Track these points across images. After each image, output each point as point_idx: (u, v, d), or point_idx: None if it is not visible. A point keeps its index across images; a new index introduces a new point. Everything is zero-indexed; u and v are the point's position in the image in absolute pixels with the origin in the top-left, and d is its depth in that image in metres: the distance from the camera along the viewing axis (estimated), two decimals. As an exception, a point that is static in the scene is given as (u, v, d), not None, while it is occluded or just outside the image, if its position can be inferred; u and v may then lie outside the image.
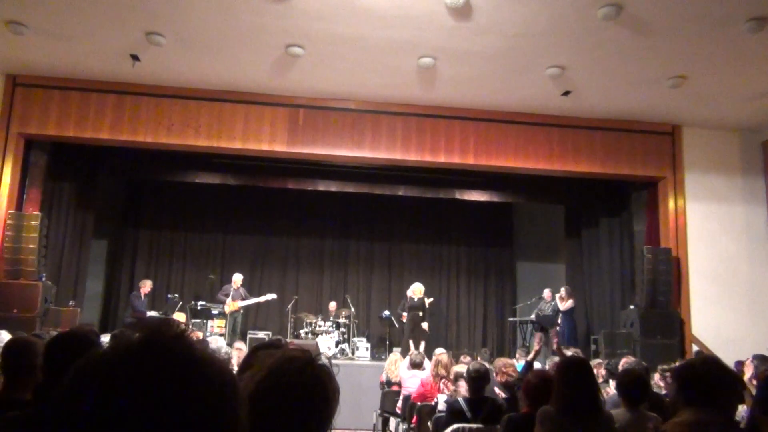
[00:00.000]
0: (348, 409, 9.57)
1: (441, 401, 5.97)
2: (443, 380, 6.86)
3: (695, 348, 10.67)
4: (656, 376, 6.61)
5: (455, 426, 5.08)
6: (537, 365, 8.13)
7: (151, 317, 11.69)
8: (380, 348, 13.05)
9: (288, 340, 11.17)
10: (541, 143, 11.19)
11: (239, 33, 8.70)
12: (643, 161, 11.38)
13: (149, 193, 14.48)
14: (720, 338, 10.43)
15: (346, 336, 12.97)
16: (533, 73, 9.58)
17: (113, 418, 0.71)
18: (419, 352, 8.90)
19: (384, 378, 8.92)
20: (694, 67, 9.22)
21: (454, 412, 5.30)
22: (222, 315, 12.23)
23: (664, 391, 6.04)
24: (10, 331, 6.04)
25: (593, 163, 11.28)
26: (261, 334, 12.37)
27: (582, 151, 11.26)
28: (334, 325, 12.87)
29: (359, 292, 14.76)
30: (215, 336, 9.23)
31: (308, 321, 12.90)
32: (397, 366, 8.69)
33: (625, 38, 8.42)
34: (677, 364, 6.25)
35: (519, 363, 8.49)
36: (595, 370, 4.92)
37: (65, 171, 11.36)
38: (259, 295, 13.07)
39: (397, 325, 13.26)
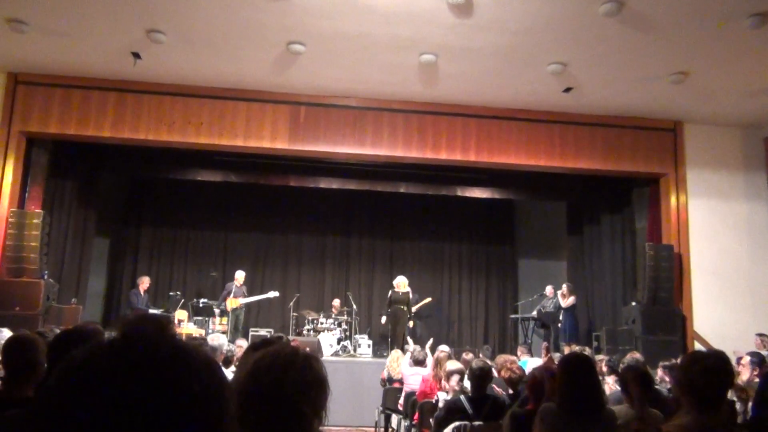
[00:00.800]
0: (350, 406, 9.63)
1: (442, 398, 5.96)
2: (444, 376, 6.85)
3: (697, 345, 10.67)
4: (658, 373, 6.60)
5: (457, 423, 5.08)
6: (538, 362, 8.13)
7: (134, 312, 11.69)
8: (382, 345, 13.05)
9: (291, 337, 11.17)
10: (542, 140, 11.17)
11: (240, 30, 8.70)
12: (645, 158, 11.36)
13: (151, 191, 14.48)
14: (722, 335, 10.41)
15: (348, 333, 12.97)
16: (535, 70, 9.56)
17: (99, 414, 0.71)
18: (422, 349, 8.90)
19: (385, 375, 8.92)
20: (696, 63, 9.20)
21: (455, 411, 5.29)
22: (224, 312, 12.23)
23: (667, 387, 6.03)
24: (12, 329, 6.04)
25: (595, 159, 11.26)
26: (263, 332, 12.37)
27: (584, 148, 11.24)
28: (336, 323, 12.88)
29: (361, 289, 14.77)
30: (217, 333, 9.21)
31: (310, 318, 12.90)
32: (398, 363, 8.69)
33: (626, 34, 8.40)
34: (679, 360, 6.24)
35: (521, 360, 8.50)
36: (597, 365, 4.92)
37: (67, 169, 11.36)
38: (261, 292, 13.07)
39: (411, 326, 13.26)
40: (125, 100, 10.53)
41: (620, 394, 4.49)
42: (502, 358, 6.71)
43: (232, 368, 6.09)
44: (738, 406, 5.16)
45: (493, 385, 6.29)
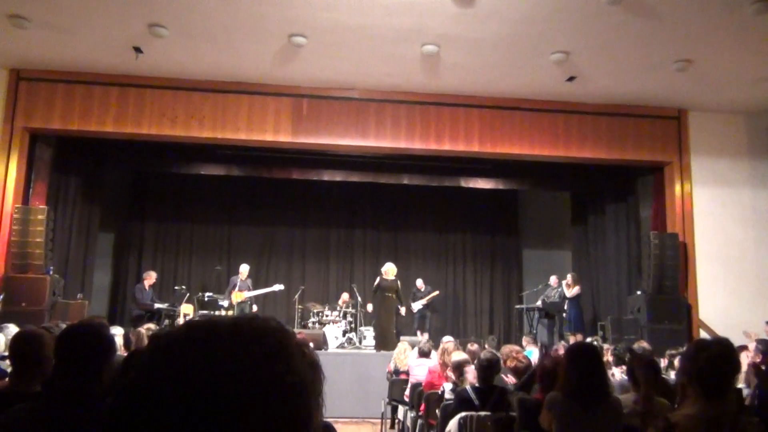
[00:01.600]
0: (356, 398, 9.66)
1: (447, 389, 5.98)
2: (449, 368, 6.87)
3: (703, 333, 10.66)
4: (664, 361, 6.60)
5: (463, 414, 5.09)
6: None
7: (140, 306, 11.75)
8: (391, 335, 13.04)
9: (297, 330, 11.20)
10: (546, 129, 11.15)
11: (241, 23, 8.68)
12: (649, 146, 11.33)
13: (155, 185, 14.50)
14: (727, 323, 10.39)
15: (353, 325, 12.99)
16: (537, 59, 9.53)
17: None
18: (428, 341, 8.91)
19: (392, 367, 8.94)
20: (699, 50, 9.16)
21: (462, 401, 5.31)
22: (231, 306, 12.25)
23: (673, 375, 6.04)
24: (18, 324, 6.07)
25: (599, 148, 11.23)
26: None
27: (587, 137, 11.21)
28: (341, 315, 12.90)
29: (366, 281, 14.76)
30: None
31: (315, 311, 12.93)
32: (406, 355, 8.71)
33: (630, 22, 8.36)
34: (686, 348, 6.24)
35: (527, 350, 8.52)
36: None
37: (70, 164, 11.38)
38: (266, 286, 13.10)
39: (404, 314, 13.29)
40: (127, 94, 10.53)
41: (626, 382, 4.50)
42: (507, 348, 6.71)
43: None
44: (745, 391, 5.17)
45: (503, 375, 6.31)
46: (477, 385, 5.40)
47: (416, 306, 13.43)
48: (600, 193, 13.00)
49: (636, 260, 11.91)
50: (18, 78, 10.41)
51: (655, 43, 8.95)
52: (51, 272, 10.08)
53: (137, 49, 9.42)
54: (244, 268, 12.61)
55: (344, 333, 12.51)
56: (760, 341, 7.04)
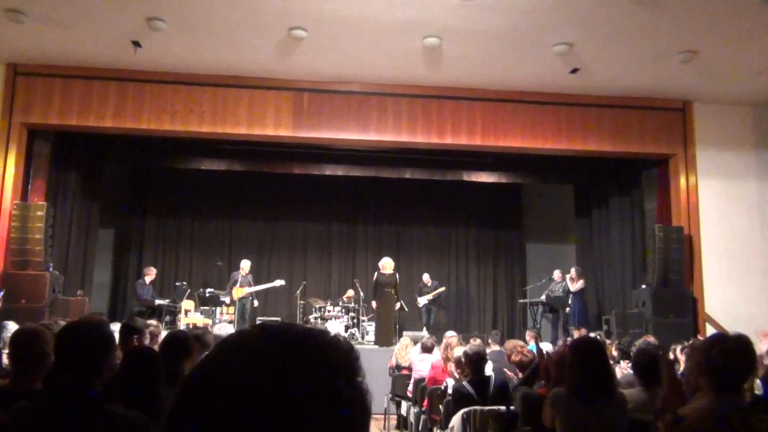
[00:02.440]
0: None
1: (450, 384, 6.00)
2: (452, 363, 6.89)
3: (710, 327, 10.66)
4: (671, 355, 6.60)
5: (466, 409, 5.11)
6: (549, 346, 8.15)
7: (142, 302, 11.80)
8: (391, 331, 13.06)
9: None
10: (549, 122, 11.12)
11: (241, 16, 8.66)
12: (654, 138, 11.30)
13: (154, 180, 14.50)
14: (734, 316, 10.38)
15: (355, 320, 13.01)
16: (540, 51, 9.50)
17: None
18: (431, 336, 8.92)
19: (393, 362, 8.95)
20: (705, 41, 9.12)
21: (461, 396, 5.36)
22: (233, 302, 12.28)
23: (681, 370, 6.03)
24: (18, 322, 6.07)
25: (603, 141, 11.21)
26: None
27: (591, 130, 11.19)
28: (343, 310, 12.91)
29: (368, 276, 14.74)
30: (223, 323, 9.26)
31: (317, 306, 12.94)
32: (407, 351, 8.72)
33: (634, 13, 8.33)
34: (691, 342, 6.24)
35: (530, 345, 8.52)
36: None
37: (69, 160, 11.37)
38: (268, 281, 13.11)
39: (406, 308, 13.31)
40: (126, 89, 10.52)
41: (632, 377, 4.49)
42: (511, 343, 6.72)
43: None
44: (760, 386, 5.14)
45: (505, 369, 6.32)
46: (471, 378, 5.47)
47: (422, 301, 13.46)
48: (604, 187, 12.98)
49: (641, 254, 11.90)
50: (15, 73, 10.39)
51: (659, 34, 8.92)
52: (51, 269, 10.09)
53: (136, 43, 9.40)
54: (246, 264, 12.62)
55: (347, 329, 12.53)
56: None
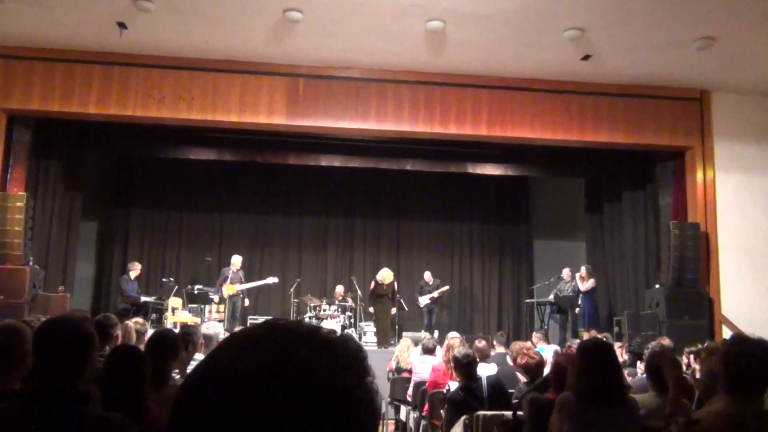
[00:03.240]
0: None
1: (453, 388, 6.01)
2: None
3: (725, 329, 10.67)
4: (684, 359, 6.61)
5: (469, 415, 5.12)
6: (557, 348, 8.15)
7: (126, 300, 11.80)
8: (389, 332, 13.09)
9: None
10: (559, 112, 11.12)
11: (233, -3, 8.64)
12: (669, 130, 11.30)
13: (140, 170, 14.48)
14: (752, 318, 10.40)
15: (352, 320, 13.02)
16: (550, 36, 9.48)
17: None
18: (432, 337, 8.93)
19: (393, 365, 8.96)
20: (723, 27, 9.10)
21: (455, 403, 5.39)
22: (222, 299, 12.28)
23: (698, 375, 6.04)
24: (-4, 318, 6.07)
25: (615, 132, 11.21)
26: (263, 320, 12.40)
27: (603, 120, 11.18)
28: (339, 309, 12.92)
29: (366, 273, 14.77)
30: (213, 322, 9.24)
31: (312, 305, 12.95)
32: (409, 352, 8.73)
33: (649, -4, 8.32)
34: (706, 345, 6.25)
35: (537, 347, 8.52)
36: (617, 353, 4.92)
37: (51, 148, 11.36)
38: (260, 278, 13.11)
39: (406, 308, 13.33)
40: (111, 73, 10.50)
41: (644, 381, 4.50)
42: (517, 345, 6.74)
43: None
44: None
45: (517, 373, 6.33)
46: (462, 383, 5.52)
47: (423, 300, 13.44)
48: (616, 180, 12.97)
49: (654, 252, 11.91)
50: (-6, 55, 10.39)
51: (675, 19, 8.90)
52: (31, 263, 10.09)
53: (121, 25, 9.38)
54: (236, 259, 12.62)
55: (343, 329, 12.53)
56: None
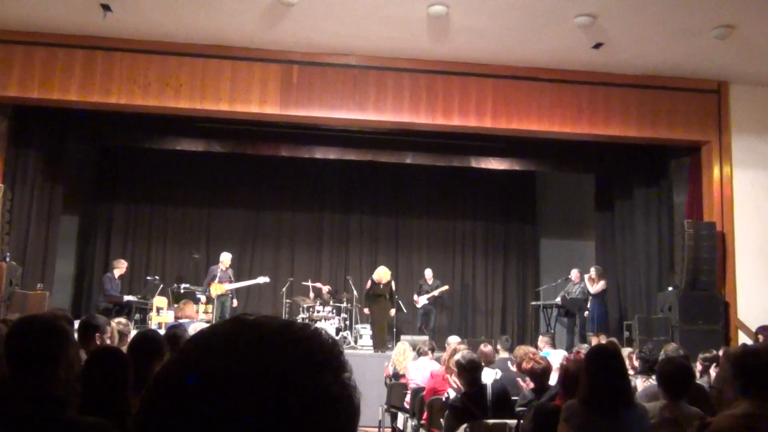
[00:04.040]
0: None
1: (453, 395, 6.03)
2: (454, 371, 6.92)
3: (741, 335, 10.68)
4: (697, 366, 6.63)
5: (470, 423, 5.13)
6: (565, 354, 8.16)
7: (108, 299, 11.79)
8: (386, 335, 13.10)
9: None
10: (568, 103, 11.12)
11: (224, -22, 8.63)
12: (685, 123, 11.30)
13: (124, 162, 14.46)
14: (770, 323, 10.43)
15: (347, 322, 13.02)
16: (560, 23, 9.48)
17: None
18: (428, 340, 8.94)
19: (391, 370, 8.96)
20: (743, 15, 9.10)
21: (456, 411, 5.40)
22: (210, 299, 12.28)
23: (703, 380, 6.06)
24: (-30, 317, 6.07)
25: (628, 125, 11.21)
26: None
27: (615, 112, 11.18)
28: (334, 311, 12.91)
29: (362, 273, 14.77)
30: (199, 323, 9.24)
31: (305, 305, 12.94)
32: (406, 356, 8.74)
33: (665, -18, 8.31)
34: (721, 351, 6.27)
35: (543, 351, 8.53)
36: (627, 360, 4.94)
37: (30, 138, 11.34)
38: (250, 277, 13.10)
39: (405, 310, 13.32)
40: (94, 58, 10.49)
41: (655, 389, 4.51)
42: (522, 349, 6.75)
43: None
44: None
45: (519, 379, 6.34)
46: (465, 390, 5.52)
47: (422, 300, 13.40)
48: (628, 176, 12.97)
49: (668, 252, 11.93)
50: (-31, 39, 10.37)
51: (692, 6, 8.90)
52: (8, 259, 10.08)
53: (105, 7, 9.36)
54: (226, 257, 12.61)
55: (338, 331, 12.54)
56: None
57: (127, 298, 11.97)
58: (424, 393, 7.13)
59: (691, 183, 11.68)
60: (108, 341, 4.88)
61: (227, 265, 12.57)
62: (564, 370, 4.33)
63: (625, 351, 7.32)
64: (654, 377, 5.11)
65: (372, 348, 12.01)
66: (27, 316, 2.75)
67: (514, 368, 7.40)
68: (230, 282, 12.46)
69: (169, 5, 9.43)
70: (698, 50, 10.23)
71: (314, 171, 14.45)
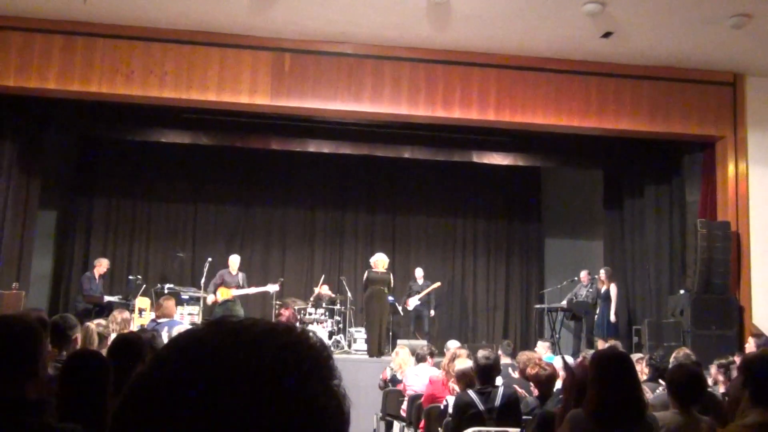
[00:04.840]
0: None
1: (451, 403, 6.04)
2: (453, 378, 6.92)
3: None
4: (712, 372, 6.64)
5: (472, 429, 5.15)
6: (569, 360, 8.17)
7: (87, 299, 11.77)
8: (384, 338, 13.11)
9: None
10: (576, 95, 11.12)
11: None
12: (698, 117, 11.31)
13: (106, 154, 14.44)
14: (787, 329, 10.45)
15: (341, 326, 13.02)
16: (567, 10, 9.48)
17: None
18: (426, 345, 8.94)
19: (387, 375, 8.97)
20: (760, 2, 9.11)
21: (464, 406, 5.43)
22: (194, 300, 12.25)
23: (721, 390, 6.07)
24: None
25: (638, 119, 11.22)
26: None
27: (625, 105, 11.19)
28: (327, 313, 12.90)
29: (357, 273, 14.76)
30: (184, 324, 9.22)
31: (296, 308, 12.93)
32: (404, 361, 8.75)
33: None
34: (736, 357, 6.28)
35: (546, 356, 8.55)
36: (636, 366, 4.93)
37: (5, 128, 11.30)
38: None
39: (402, 312, 13.31)
40: (74, 44, 10.46)
41: (665, 397, 4.51)
42: (525, 355, 6.76)
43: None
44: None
45: (515, 386, 6.35)
46: (478, 387, 5.57)
47: (412, 302, 13.32)
48: (639, 173, 13.00)
49: (679, 253, 11.94)
50: (-58, 23, 10.35)
51: (708, -6, 8.91)
52: (-19, 256, 10.07)
53: (86, -10, 9.35)
54: (234, 260, 12.47)
55: (331, 335, 12.54)
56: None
57: (107, 298, 11.95)
58: (422, 400, 7.14)
59: (704, 180, 11.69)
60: (78, 343, 4.88)
61: (236, 269, 12.45)
62: (570, 377, 4.32)
63: (634, 357, 7.34)
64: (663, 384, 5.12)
65: (367, 353, 11.86)
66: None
67: (516, 374, 7.41)
68: (237, 288, 12.28)
69: (154, -12, 9.41)
70: (713, 40, 10.23)
71: (307, 165, 14.43)
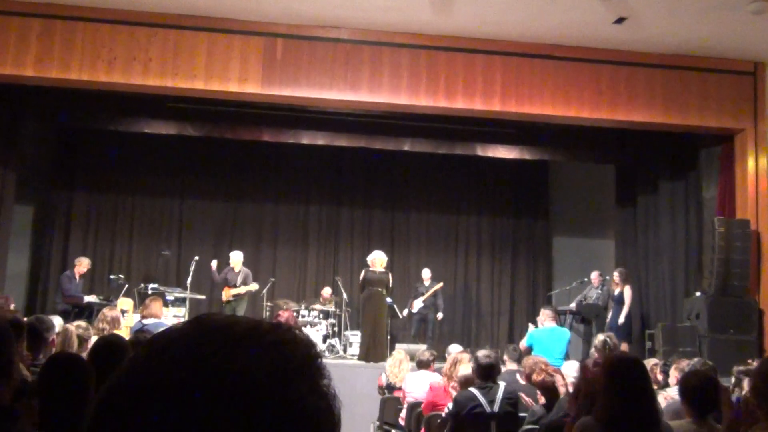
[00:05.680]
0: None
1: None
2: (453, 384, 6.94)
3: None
4: (732, 380, 6.65)
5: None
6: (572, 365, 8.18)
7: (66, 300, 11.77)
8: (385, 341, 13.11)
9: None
10: (586, 85, 11.12)
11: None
12: (717, 109, 11.32)
13: (86, 146, 14.45)
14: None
15: (336, 329, 13.03)
16: (578, -6, 9.49)
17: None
18: (428, 350, 8.94)
19: (384, 381, 8.98)
20: (784, -13, 9.12)
21: (466, 400, 5.48)
22: (179, 301, 12.25)
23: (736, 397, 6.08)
24: None
25: (653, 110, 11.22)
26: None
27: (639, 96, 11.20)
28: (321, 315, 12.91)
29: (353, 273, 14.78)
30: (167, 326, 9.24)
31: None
32: (402, 368, 8.76)
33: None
34: (756, 363, 6.29)
35: (549, 326, 8.58)
36: (650, 374, 4.94)
37: (-22, 117, 11.33)
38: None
39: (401, 316, 13.30)
40: (53, 29, 10.45)
41: (679, 405, 4.52)
42: (531, 359, 6.76)
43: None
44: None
45: (521, 394, 6.36)
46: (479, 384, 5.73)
47: (417, 305, 13.30)
48: (653, 168, 13.01)
49: (696, 253, 11.94)
50: None
51: (728, -23, 8.92)
52: (-47, 254, 10.07)
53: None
54: (235, 257, 12.52)
55: (325, 338, 12.55)
56: None
57: (87, 299, 11.96)
58: (422, 408, 7.15)
59: (722, 176, 11.69)
60: (54, 346, 4.88)
61: (239, 266, 12.47)
62: (580, 383, 4.34)
63: (648, 363, 7.36)
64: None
65: (364, 357, 11.83)
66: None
67: (523, 381, 7.42)
68: (235, 287, 12.31)
69: (138, -31, 9.42)
70: (732, 27, 10.23)
71: (300, 158, 14.43)
